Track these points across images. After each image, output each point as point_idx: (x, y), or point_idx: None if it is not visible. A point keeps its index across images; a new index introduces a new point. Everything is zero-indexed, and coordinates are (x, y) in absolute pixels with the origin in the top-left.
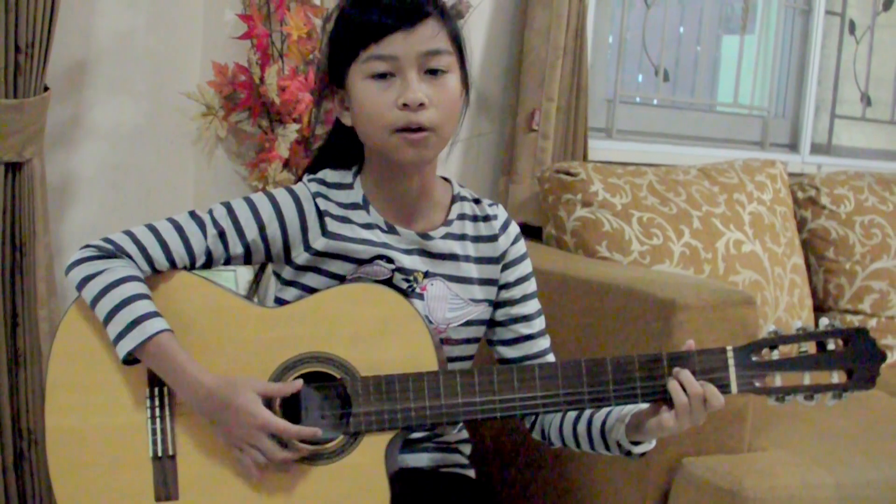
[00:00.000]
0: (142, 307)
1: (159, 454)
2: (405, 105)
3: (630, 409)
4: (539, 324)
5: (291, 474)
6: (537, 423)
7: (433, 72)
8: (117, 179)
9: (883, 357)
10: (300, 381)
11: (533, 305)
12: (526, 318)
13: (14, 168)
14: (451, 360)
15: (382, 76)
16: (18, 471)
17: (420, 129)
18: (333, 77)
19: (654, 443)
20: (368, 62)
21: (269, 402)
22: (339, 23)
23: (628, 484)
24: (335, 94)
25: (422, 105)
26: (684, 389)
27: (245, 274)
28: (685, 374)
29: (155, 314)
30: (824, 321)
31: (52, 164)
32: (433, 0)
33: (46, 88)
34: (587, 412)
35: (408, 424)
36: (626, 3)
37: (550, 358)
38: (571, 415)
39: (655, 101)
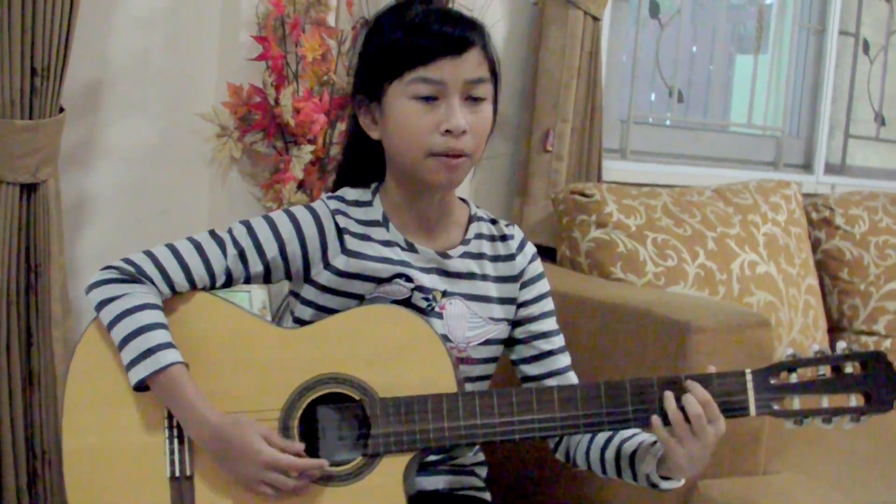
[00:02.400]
0: (157, 337)
1: (176, 474)
2: (448, 131)
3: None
4: (558, 341)
5: (309, 496)
6: (561, 444)
7: (473, 99)
8: (132, 200)
9: None
10: (301, 445)
11: (551, 323)
12: (545, 335)
13: (29, 189)
14: (471, 379)
15: (426, 99)
16: (32, 491)
17: (458, 154)
18: (365, 88)
19: (682, 481)
20: (413, 83)
21: (286, 428)
22: (382, 37)
23: None
24: (362, 105)
25: (463, 132)
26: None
27: (259, 294)
28: (687, 398)
29: (169, 345)
30: (841, 344)
31: (67, 185)
32: (479, 29)
33: (62, 109)
34: (616, 439)
35: (427, 446)
36: (640, 24)
37: (572, 375)
38: (600, 440)
39: (668, 122)
